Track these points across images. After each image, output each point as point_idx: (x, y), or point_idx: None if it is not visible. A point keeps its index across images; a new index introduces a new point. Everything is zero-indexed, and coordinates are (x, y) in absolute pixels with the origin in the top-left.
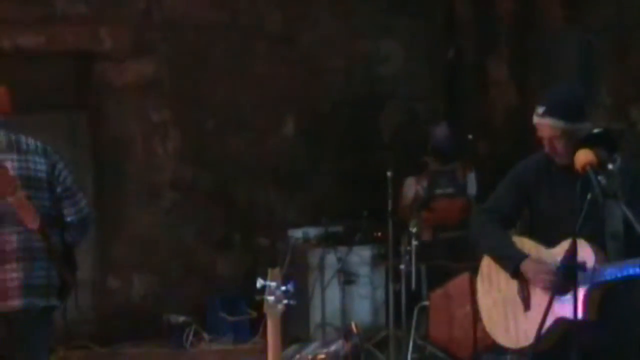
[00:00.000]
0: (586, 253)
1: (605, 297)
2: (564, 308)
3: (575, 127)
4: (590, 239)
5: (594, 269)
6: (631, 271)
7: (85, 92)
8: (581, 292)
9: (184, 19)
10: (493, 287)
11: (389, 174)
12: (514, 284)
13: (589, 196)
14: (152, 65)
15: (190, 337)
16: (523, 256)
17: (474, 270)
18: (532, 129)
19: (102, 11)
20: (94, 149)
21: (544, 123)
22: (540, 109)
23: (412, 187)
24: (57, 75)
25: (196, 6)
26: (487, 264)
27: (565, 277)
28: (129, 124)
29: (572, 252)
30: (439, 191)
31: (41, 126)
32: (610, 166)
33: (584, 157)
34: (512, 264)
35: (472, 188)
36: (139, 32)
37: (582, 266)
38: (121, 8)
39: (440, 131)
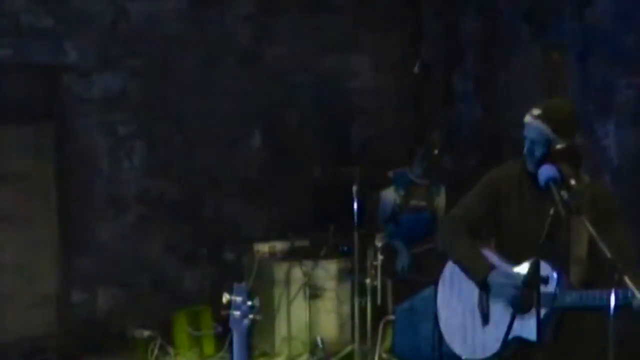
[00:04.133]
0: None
1: (561, 319)
2: (522, 327)
3: (560, 141)
4: (554, 262)
5: (555, 295)
6: (590, 303)
7: (51, 105)
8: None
9: (151, 33)
10: (453, 294)
11: (354, 187)
12: (474, 295)
13: (551, 211)
14: (118, 78)
15: (156, 352)
16: (491, 268)
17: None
18: (498, 143)
19: (69, 24)
20: (60, 162)
21: (534, 125)
22: (536, 111)
23: (391, 197)
24: (23, 88)
25: (163, 20)
26: (450, 271)
27: (529, 295)
28: (95, 137)
29: (535, 268)
30: (413, 202)
31: (7, 138)
32: (572, 182)
33: (546, 172)
34: (480, 275)
35: (441, 202)
36: (106, 45)
37: (546, 280)
38: (88, 21)
39: (435, 138)
